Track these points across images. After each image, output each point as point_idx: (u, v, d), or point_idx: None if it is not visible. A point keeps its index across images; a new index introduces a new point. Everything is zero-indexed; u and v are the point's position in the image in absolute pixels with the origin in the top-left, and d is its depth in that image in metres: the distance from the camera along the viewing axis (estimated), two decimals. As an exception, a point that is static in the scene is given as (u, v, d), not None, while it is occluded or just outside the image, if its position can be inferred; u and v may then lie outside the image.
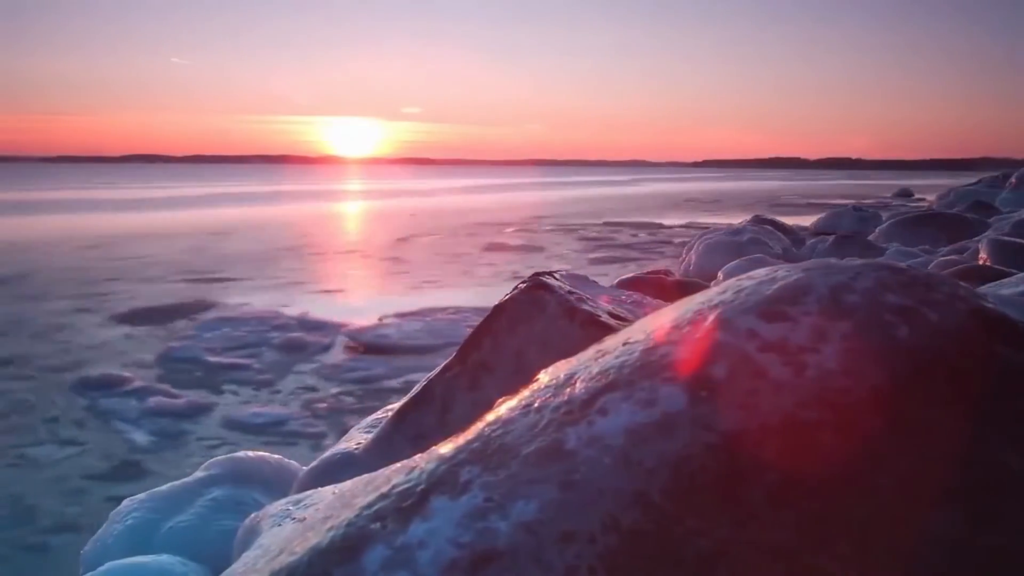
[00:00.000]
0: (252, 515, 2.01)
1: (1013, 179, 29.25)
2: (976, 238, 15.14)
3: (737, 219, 18.23)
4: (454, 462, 0.98)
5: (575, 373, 1.09)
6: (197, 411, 7.02)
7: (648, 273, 6.65)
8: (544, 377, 1.18)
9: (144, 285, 13.30)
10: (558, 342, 2.23)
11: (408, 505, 0.93)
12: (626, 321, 2.32)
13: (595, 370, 1.06)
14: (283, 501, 1.85)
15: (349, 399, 7.34)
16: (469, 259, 17.07)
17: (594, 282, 2.95)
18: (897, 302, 1.03)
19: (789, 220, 19.29)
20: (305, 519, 1.69)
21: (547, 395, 1.06)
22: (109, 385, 7.74)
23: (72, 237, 21.03)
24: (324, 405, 7.20)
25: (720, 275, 10.88)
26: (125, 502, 4.03)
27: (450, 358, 2.49)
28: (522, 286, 2.38)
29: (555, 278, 2.48)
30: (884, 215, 22.32)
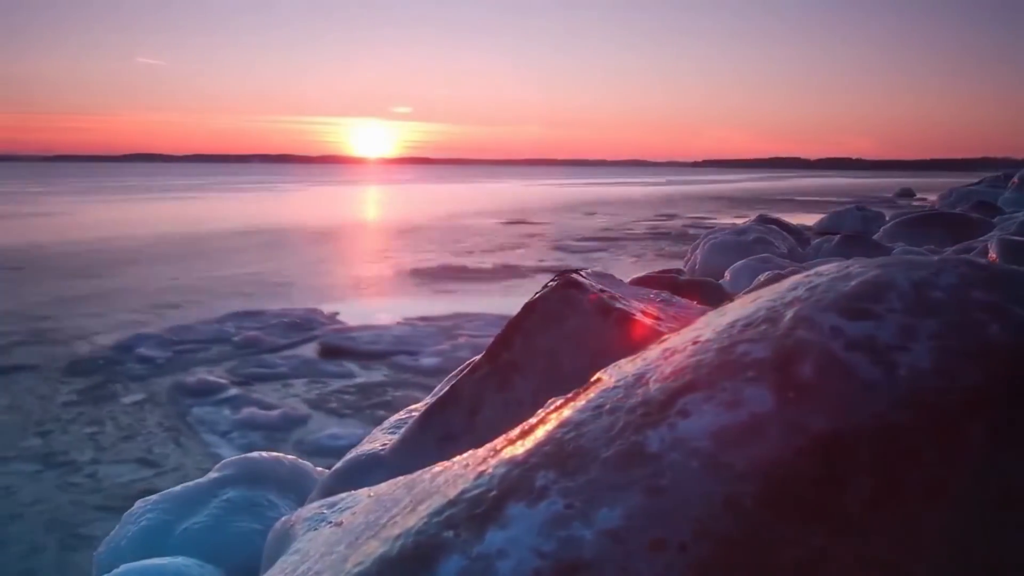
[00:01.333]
0: (282, 519, 1.97)
1: (1015, 179, 29.23)
2: (981, 238, 15.10)
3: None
4: (527, 466, 0.94)
5: (645, 373, 1.04)
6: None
7: (660, 272, 6.60)
8: (607, 377, 1.14)
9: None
10: (592, 341, 2.18)
11: (481, 512, 0.89)
12: (659, 319, 2.27)
13: (668, 370, 1.02)
14: (316, 504, 1.80)
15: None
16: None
17: (620, 280, 2.91)
18: (984, 299, 0.99)
19: (790, 220, 19.25)
20: (342, 523, 1.64)
21: (618, 396, 1.01)
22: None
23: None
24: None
25: (727, 275, 10.85)
26: (138, 503, 3.99)
27: (478, 358, 2.44)
28: (552, 284, 2.33)
29: (583, 276, 2.44)
30: (887, 215, 22.29)
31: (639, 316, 2.15)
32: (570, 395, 1.30)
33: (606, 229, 24.56)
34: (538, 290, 2.46)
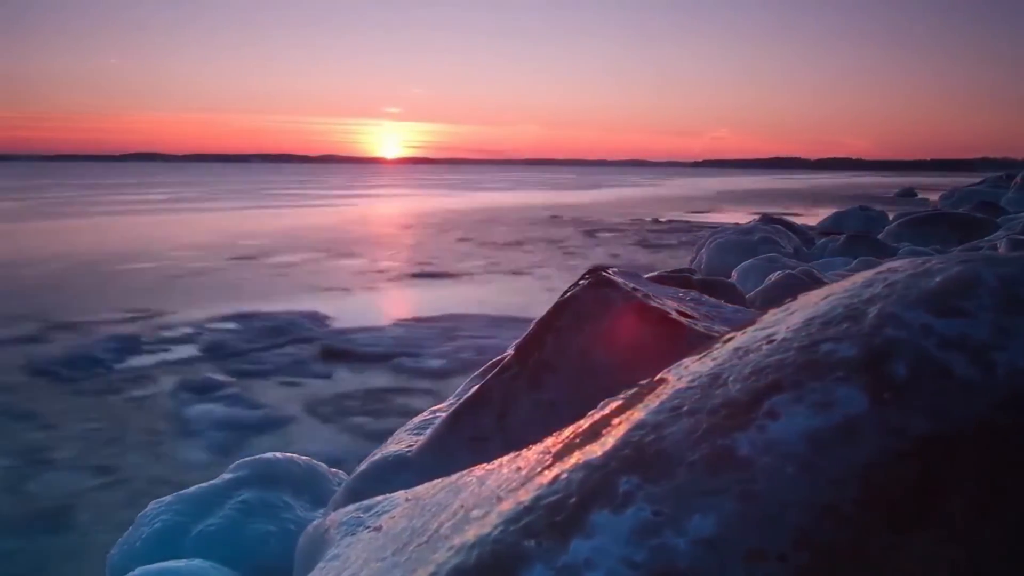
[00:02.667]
0: (314, 523, 1.92)
1: (1018, 179, 29.18)
2: (987, 238, 15.06)
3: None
4: (607, 471, 0.89)
5: (720, 373, 1.00)
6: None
7: (672, 272, 6.55)
8: (674, 377, 1.09)
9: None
10: (627, 341, 2.14)
11: (563, 520, 0.84)
12: (693, 319, 2.23)
13: (746, 370, 0.97)
14: (351, 507, 1.75)
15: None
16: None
17: (646, 279, 2.86)
18: (1076, 296, 0.95)
19: (791, 219, 19.20)
20: (381, 527, 1.60)
21: (695, 396, 0.97)
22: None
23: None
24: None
25: (734, 274, 10.80)
26: (151, 504, 3.94)
27: (507, 357, 2.40)
28: (583, 282, 2.29)
29: (614, 274, 2.39)
30: (891, 215, 22.23)
31: (675, 315, 2.10)
32: (627, 395, 1.26)
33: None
34: (568, 288, 2.41)
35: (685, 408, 0.95)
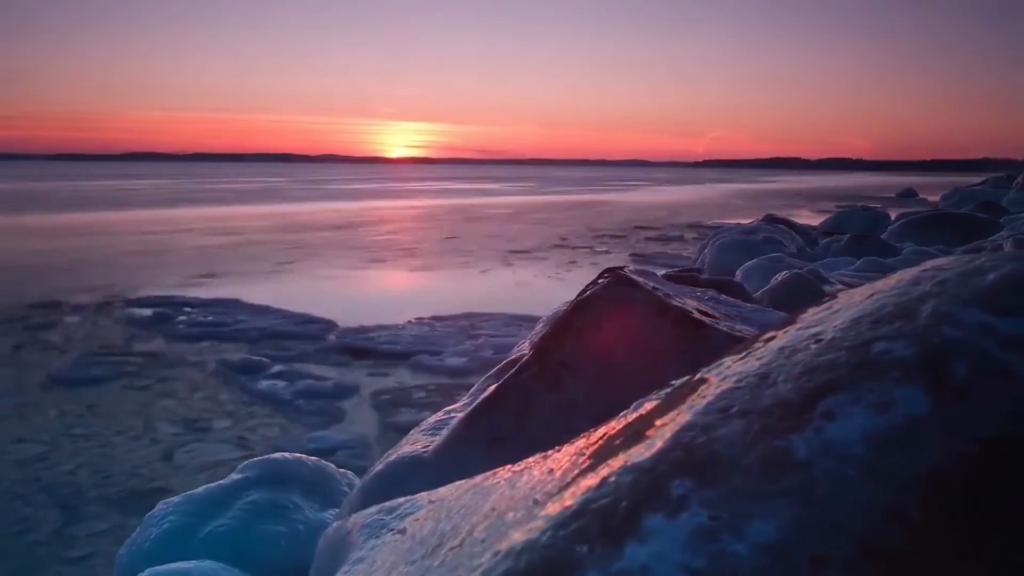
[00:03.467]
0: (334, 524, 1.89)
1: (1020, 179, 29.16)
2: (991, 238, 15.03)
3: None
4: (656, 474, 0.86)
5: (769, 373, 0.97)
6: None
7: (679, 271, 6.51)
8: (717, 378, 1.07)
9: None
10: (648, 340, 2.11)
11: (615, 525, 0.82)
12: (715, 318, 2.20)
13: (796, 370, 0.94)
14: (373, 509, 1.73)
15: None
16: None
17: (662, 278, 2.84)
18: None
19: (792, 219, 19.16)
20: (405, 529, 1.57)
21: (744, 397, 0.94)
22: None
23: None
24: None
25: (738, 274, 10.76)
26: (159, 505, 3.91)
27: (525, 356, 2.37)
28: (603, 281, 2.26)
29: (634, 273, 2.36)
30: (893, 215, 22.20)
31: (697, 315, 2.07)
32: (664, 395, 1.23)
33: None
34: (587, 287, 2.38)
35: (735, 409, 0.92)
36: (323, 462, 4.23)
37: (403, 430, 4.09)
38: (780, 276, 7.22)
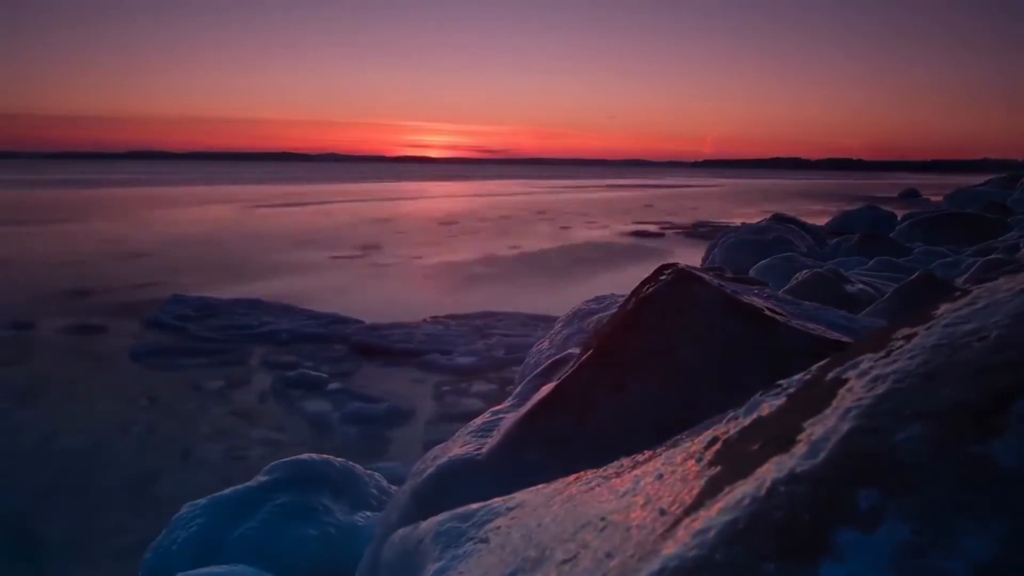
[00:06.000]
0: (400, 532, 1.80)
1: (1024, 180, 29.09)
2: (1001, 237, 14.97)
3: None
4: (835, 483, 0.79)
5: (934, 372, 0.89)
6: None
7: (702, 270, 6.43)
8: (858, 376, 0.99)
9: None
10: (715, 338, 2.03)
11: (801, 540, 0.74)
12: (784, 316, 2.12)
13: (968, 369, 0.87)
14: (445, 516, 1.64)
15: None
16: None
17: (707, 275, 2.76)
18: None
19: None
20: (489, 539, 1.49)
21: (913, 398, 0.86)
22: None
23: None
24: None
25: (752, 273, 10.69)
26: (185, 507, 3.82)
27: (584, 356, 2.29)
28: (665, 278, 2.18)
29: (696, 270, 2.29)
30: (899, 215, 22.11)
31: (768, 312, 1.99)
32: (787, 395, 1.15)
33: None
34: (645, 284, 2.30)
35: (907, 412, 0.84)
36: (350, 463, 4.14)
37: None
38: (801, 275, 7.14)
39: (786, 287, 6.93)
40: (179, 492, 5.03)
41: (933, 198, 42.51)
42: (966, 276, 8.23)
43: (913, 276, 5.88)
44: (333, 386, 7.47)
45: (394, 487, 4.14)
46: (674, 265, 2.29)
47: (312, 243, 19.11)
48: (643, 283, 2.36)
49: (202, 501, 3.75)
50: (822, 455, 0.84)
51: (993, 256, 9.80)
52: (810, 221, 20.69)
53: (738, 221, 23.17)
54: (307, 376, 7.69)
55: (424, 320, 9.64)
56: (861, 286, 7.10)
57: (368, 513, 3.74)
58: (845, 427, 0.87)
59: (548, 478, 1.87)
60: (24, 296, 12.01)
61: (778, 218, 16.80)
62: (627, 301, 2.35)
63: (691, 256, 16.70)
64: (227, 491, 3.79)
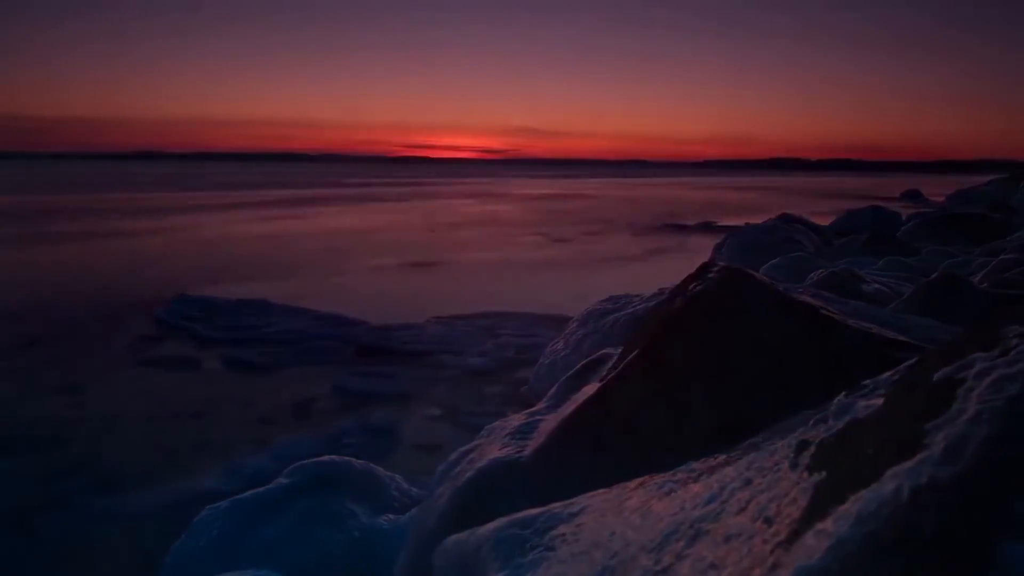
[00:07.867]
0: (453, 538, 1.75)
1: (1028, 180, 29.03)
2: (1009, 238, 14.91)
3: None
4: (984, 491, 0.73)
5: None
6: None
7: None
8: (980, 378, 0.93)
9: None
10: (769, 339, 1.98)
11: (963, 552, 0.68)
12: (843, 316, 2.07)
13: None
14: (503, 523, 1.59)
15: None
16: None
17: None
18: None
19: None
20: (555, 547, 1.43)
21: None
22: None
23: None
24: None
25: (762, 272, 10.65)
26: (206, 510, 3.76)
27: (626, 359, 2.23)
28: (713, 276, 2.13)
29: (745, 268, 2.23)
30: (904, 215, 22.07)
31: (825, 312, 1.94)
32: (884, 395, 1.10)
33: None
34: (690, 282, 2.25)
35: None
36: (371, 464, 4.09)
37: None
38: (816, 275, 7.08)
39: (806, 285, 6.88)
40: (189, 493, 4.99)
41: (934, 198, 42.44)
42: (981, 275, 8.17)
43: (934, 276, 5.83)
44: (341, 386, 7.43)
45: (415, 489, 4.09)
46: (711, 264, 2.24)
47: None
48: (687, 280, 2.30)
49: (223, 504, 3.70)
50: (962, 462, 0.79)
51: (1004, 256, 9.74)
52: (816, 220, 20.64)
53: (740, 221, 23.14)
54: (316, 376, 7.64)
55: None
56: (877, 286, 7.05)
57: (391, 516, 3.69)
58: (982, 432, 0.82)
59: (594, 481, 1.81)
60: (30, 295, 11.96)
61: (785, 218, 16.75)
62: (670, 299, 2.29)
63: (694, 256, 16.65)
64: (247, 494, 3.74)
